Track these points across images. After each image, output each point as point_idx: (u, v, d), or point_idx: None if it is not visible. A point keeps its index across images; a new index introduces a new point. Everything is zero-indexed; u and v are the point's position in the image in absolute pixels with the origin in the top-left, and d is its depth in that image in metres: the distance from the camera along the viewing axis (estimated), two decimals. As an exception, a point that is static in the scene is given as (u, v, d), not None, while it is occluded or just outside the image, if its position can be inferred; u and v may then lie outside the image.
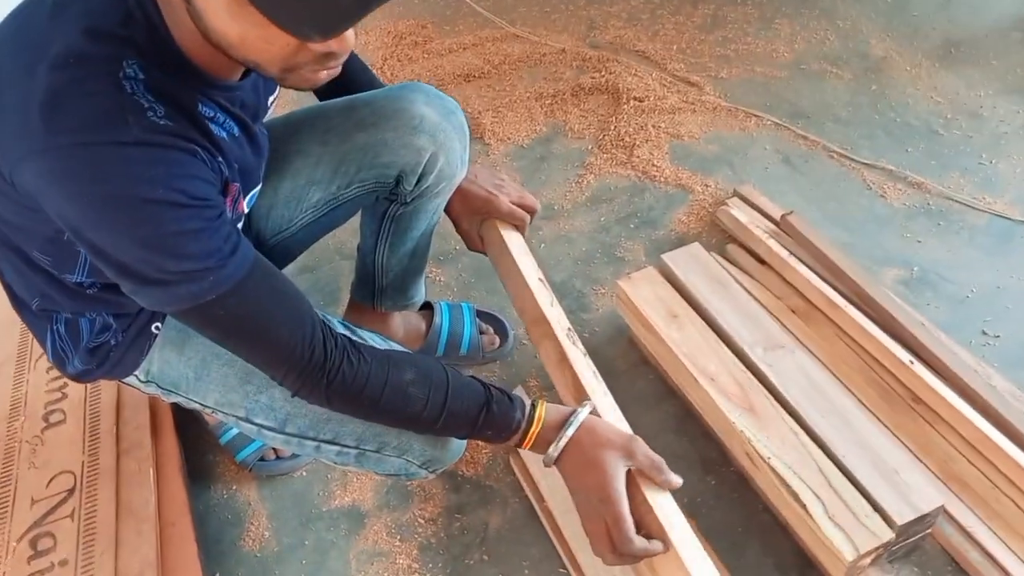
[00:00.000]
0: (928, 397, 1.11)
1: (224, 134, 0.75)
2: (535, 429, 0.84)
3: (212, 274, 0.68)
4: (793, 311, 1.28)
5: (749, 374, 1.08)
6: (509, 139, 1.81)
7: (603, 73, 1.94)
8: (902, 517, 0.89)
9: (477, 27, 2.22)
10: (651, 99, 1.83)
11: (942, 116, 1.71)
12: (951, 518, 1.00)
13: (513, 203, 1.11)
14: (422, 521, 1.12)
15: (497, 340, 1.32)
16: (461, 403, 0.83)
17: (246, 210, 0.86)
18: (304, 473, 1.19)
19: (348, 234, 1.41)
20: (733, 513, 1.08)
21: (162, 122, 0.65)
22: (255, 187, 0.88)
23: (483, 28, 2.21)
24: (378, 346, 0.85)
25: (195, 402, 0.94)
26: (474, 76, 2.03)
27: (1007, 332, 1.25)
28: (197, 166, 0.68)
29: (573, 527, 1.02)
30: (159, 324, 0.90)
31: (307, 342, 0.75)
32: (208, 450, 1.24)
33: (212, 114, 0.73)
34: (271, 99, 0.89)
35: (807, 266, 1.32)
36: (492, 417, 0.83)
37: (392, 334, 1.27)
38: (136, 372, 0.92)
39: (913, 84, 1.81)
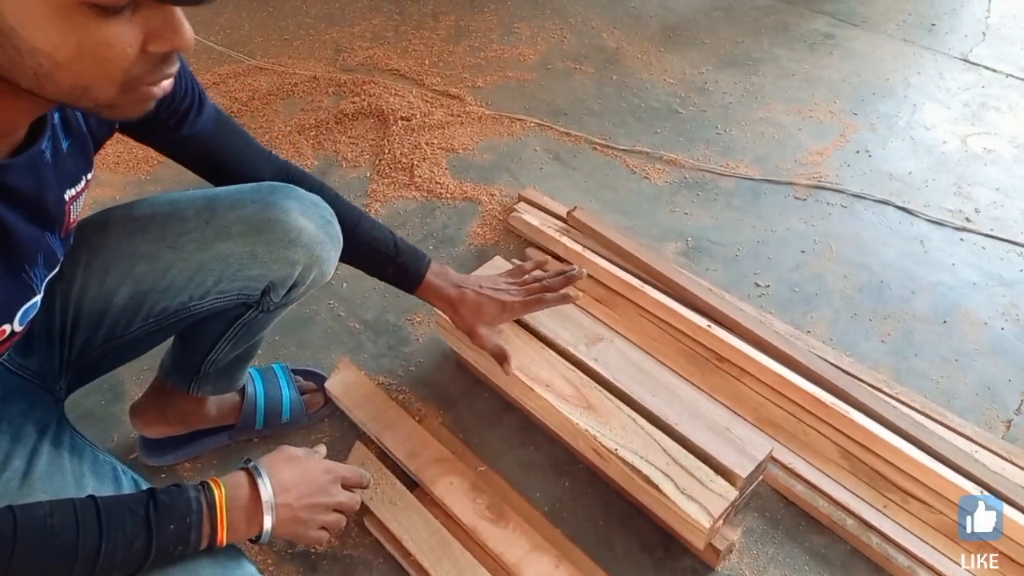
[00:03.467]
0: (730, 354, 1.23)
1: None
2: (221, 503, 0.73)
3: None
4: (599, 300, 1.36)
5: (580, 372, 1.12)
6: (280, 179, 1.71)
7: (363, 96, 1.90)
8: (744, 469, 0.98)
9: (213, 64, 2.07)
10: (418, 117, 1.83)
11: (677, 96, 1.90)
12: (775, 459, 1.12)
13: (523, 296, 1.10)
14: (287, 614, 1.03)
15: (321, 398, 1.25)
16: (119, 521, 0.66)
17: (17, 328, 0.69)
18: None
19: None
20: (592, 508, 1.12)
21: None
22: (27, 294, 0.69)
23: (221, 64, 2.07)
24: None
25: None
26: (225, 118, 1.89)
27: (774, 279, 1.43)
28: None
29: (445, 574, 1.00)
30: None
31: None
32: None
33: None
34: (71, 193, 0.71)
35: (601, 256, 1.40)
36: (162, 516, 0.68)
37: (204, 415, 1.16)
38: None
39: (647, 70, 1.99)
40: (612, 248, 1.41)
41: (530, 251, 1.47)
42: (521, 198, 1.59)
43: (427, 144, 1.76)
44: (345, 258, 1.00)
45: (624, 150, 1.73)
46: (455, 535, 1.05)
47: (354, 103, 1.88)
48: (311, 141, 1.81)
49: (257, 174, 0.94)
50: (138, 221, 0.86)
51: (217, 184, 0.94)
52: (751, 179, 1.64)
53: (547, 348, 1.17)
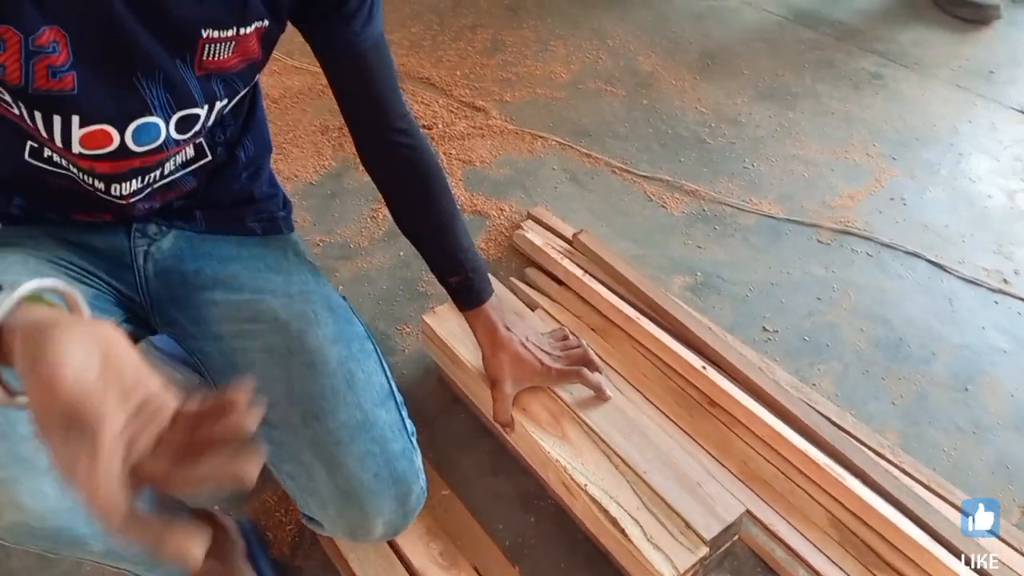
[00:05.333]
0: (722, 400, 1.15)
1: None
2: None
3: None
4: (592, 329, 1.29)
5: (560, 401, 1.06)
6: (296, 176, 1.70)
7: (387, 102, 1.88)
8: (710, 531, 0.90)
9: (249, 60, 2.08)
10: (440, 126, 1.80)
11: (707, 125, 1.82)
12: (756, 519, 1.03)
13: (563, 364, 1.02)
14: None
15: None
16: None
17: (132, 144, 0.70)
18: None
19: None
20: (555, 549, 1.05)
21: None
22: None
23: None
24: None
25: None
26: (250, 112, 1.90)
27: (783, 324, 1.34)
28: None
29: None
30: None
31: None
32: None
33: None
34: (211, 33, 0.70)
35: (602, 283, 1.34)
36: None
37: None
38: None
39: (680, 96, 1.92)
40: (613, 276, 1.35)
41: (529, 271, 1.41)
42: (530, 216, 1.54)
43: (445, 154, 1.72)
44: (423, 250, 0.96)
45: (644, 176, 1.67)
46: None
47: (377, 107, 1.86)
48: (332, 142, 1.79)
49: (383, 114, 0.88)
50: (311, 365, 0.81)
51: (345, 109, 0.89)
52: (773, 217, 1.56)
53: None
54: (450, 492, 1.10)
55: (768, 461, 1.09)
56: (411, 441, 0.86)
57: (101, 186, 0.77)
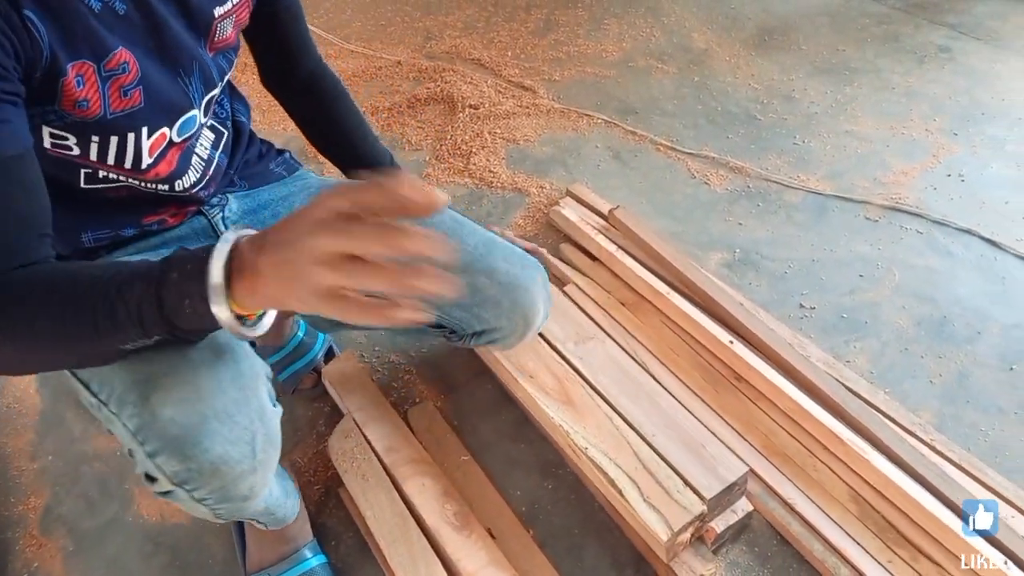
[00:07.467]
0: (748, 374, 1.14)
1: (97, 3, 0.62)
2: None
3: None
4: (623, 303, 1.29)
5: (566, 366, 1.07)
6: (345, 156, 1.76)
7: (438, 83, 1.92)
8: (710, 490, 0.90)
9: (311, 45, 2.15)
10: (486, 106, 1.83)
11: (759, 101, 1.78)
12: (774, 493, 1.02)
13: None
14: (251, 568, 1.05)
15: (316, 378, 1.26)
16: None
17: (175, 137, 0.73)
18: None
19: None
20: (570, 516, 1.06)
21: None
22: (173, 108, 0.73)
23: (318, 47, 2.15)
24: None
25: None
26: (307, 95, 1.97)
27: (821, 302, 1.30)
28: None
29: (399, 557, 0.98)
30: None
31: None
32: (7, 527, 1.13)
33: None
34: (220, 11, 0.74)
35: (634, 258, 1.34)
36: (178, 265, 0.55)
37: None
38: None
39: (732, 73, 1.88)
40: (646, 251, 1.34)
41: (564, 247, 1.42)
42: (568, 193, 1.55)
43: (489, 133, 1.75)
44: (341, 166, 1.04)
45: (688, 153, 1.64)
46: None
47: (428, 89, 1.90)
48: (381, 123, 1.84)
49: (294, 60, 0.96)
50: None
51: (256, 53, 0.95)
52: (820, 194, 1.51)
53: (540, 340, 1.13)
54: (469, 457, 1.13)
55: (791, 435, 1.07)
56: None
57: (166, 187, 0.79)
